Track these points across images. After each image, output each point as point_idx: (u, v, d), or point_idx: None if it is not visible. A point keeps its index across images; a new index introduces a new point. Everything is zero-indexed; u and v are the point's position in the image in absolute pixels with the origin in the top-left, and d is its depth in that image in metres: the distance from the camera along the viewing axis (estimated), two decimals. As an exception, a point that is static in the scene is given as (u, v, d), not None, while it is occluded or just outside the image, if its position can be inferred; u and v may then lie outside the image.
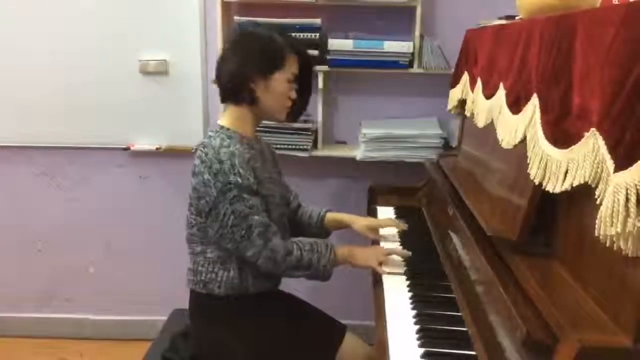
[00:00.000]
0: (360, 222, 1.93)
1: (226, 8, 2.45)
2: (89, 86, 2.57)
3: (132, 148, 2.64)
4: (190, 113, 2.59)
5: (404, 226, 1.91)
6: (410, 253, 1.72)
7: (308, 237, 1.75)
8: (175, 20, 2.52)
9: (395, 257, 1.72)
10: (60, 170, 2.74)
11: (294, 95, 1.74)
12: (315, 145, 2.52)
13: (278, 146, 2.40)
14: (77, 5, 2.50)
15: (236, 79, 1.68)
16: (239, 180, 1.58)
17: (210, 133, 1.70)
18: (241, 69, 1.66)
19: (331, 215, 1.97)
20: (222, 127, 1.70)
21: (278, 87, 1.69)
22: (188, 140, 2.56)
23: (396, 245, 1.84)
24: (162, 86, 2.56)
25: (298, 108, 1.81)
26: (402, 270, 1.67)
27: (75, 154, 2.70)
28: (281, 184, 1.87)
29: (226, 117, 1.73)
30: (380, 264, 1.68)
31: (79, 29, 2.52)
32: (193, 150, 2.58)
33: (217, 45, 2.44)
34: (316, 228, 1.95)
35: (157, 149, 2.62)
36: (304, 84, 1.79)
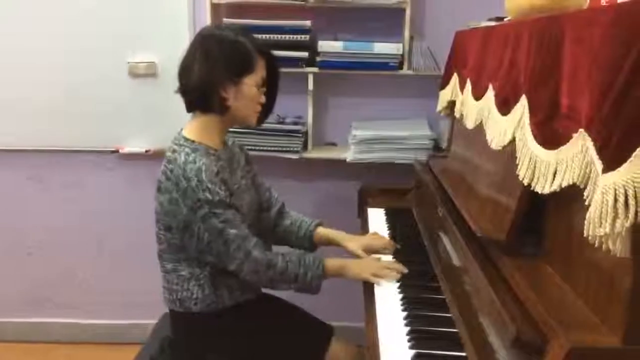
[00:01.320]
0: (352, 242, 1.82)
1: (215, 10, 2.44)
2: (77, 89, 2.56)
3: (121, 151, 2.62)
4: (179, 115, 2.52)
5: (397, 245, 1.81)
6: (406, 270, 1.63)
7: (293, 247, 1.72)
8: (165, 23, 2.51)
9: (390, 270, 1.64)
10: (49, 174, 2.72)
11: (263, 99, 1.67)
12: (305, 147, 2.51)
13: (268, 148, 2.39)
14: (65, 7, 2.49)
15: (205, 86, 1.58)
16: (209, 196, 1.52)
17: (174, 146, 1.61)
18: (210, 75, 1.57)
19: (322, 231, 1.89)
20: (186, 139, 1.61)
21: (249, 92, 1.61)
22: (177, 143, 2.54)
23: (391, 259, 1.75)
24: (152, 88, 2.55)
25: (265, 111, 1.74)
26: (395, 279, 1.61)
27: (64, 157, 2.68)
28: (255, 188, 1.81)
29: (191, 127, 1.65)
30: (374, 275, 1.62)
31: (67, 31, 2.51)
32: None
33: (207, 47, 2.43)
34: (303, 240, 1.88)
35: (146, 151, 2.60)
36: (271, 87, 1.72)
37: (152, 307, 2.25)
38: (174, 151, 1.60)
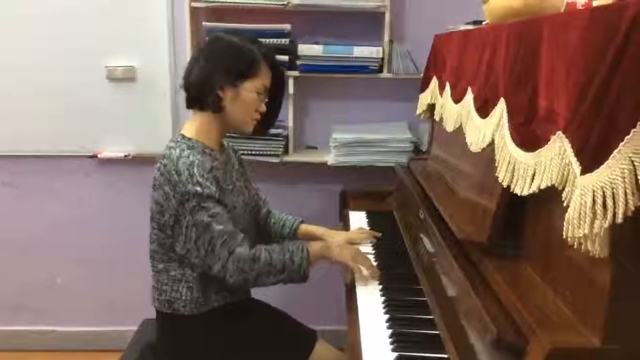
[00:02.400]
0: (336, 237, 1.84)
1: (194, 14, 2.43)
2: (55, 93, 2.52)
3: (99, 155, 2.59)
4: (159, 119, 2.56)
5: (378, 234, 1.89)
6: (379, 273, 1.65)
7: None
8: (143, 26, 2.49)
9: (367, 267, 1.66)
10: (26, 179, 2.67)
11: (263, 108, 1.69)
12: (286, 151, 2.51)
13: (249, 152, 2.38)
14: (43, 10, 2.46)
15: (204, 84, 1.62)
16: (198, 189, 1.53)
17: (171, 144, 1.64)
18: (210, 75, 1.61)
19: (305, 228, 1.92)
20: (183, 137, 1.65)
21: (246, 97, 1.64)
22: (157, 147, 2.49)
23: (370, 254, 1.78)
24: (130, 93, 2.53)
25: (266, 122, 1.77)
26: (372, 275, 1.64)
27: (41, 162, 2.64)
28: (249, 192, 1.83)
29: (190, 126, 1.68)
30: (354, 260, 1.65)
31: (44, 34, 2.48)
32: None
33: (186, 51, 2.42)
34: (287, 237, 1.91)
35: (125, 156, 2.58)
36: (275, 98, 1.75)
37: (133, 313, 2.23)
38: (170, 148, 1.62)
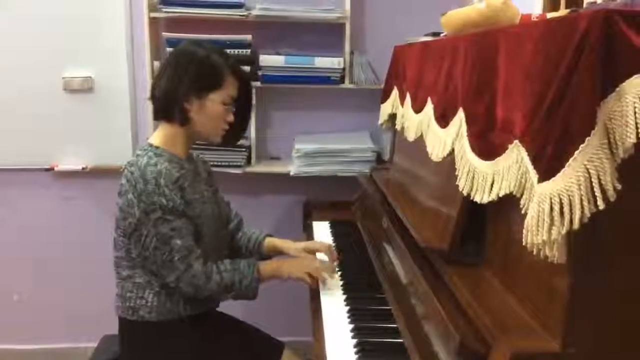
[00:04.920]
0: (294, 246, 1.86)
1: (154, 24, 2.40)
2: (9, 104, 2.46)
3: (56, 168, 2.53)
4: (117, 131, 2.51)
5: (337, 260, 1.82)
6: (336, 269, 1.73)
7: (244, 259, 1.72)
8: (101, 36, 2.45)
9: (325, 272, 1.69)
10: (-21, 193, 2.59)
11: (230, 118, 1.69)
12: (249, 162, 2.50)
13: (211, 163, 2.35)
14: (-4, 20, 2.40)
15: (169, 96, 1.62)
16: (164, 201, 1.53)
17: (138, 152, 1.64)
18: (175, 87, 1.60)
19: (269, 241, 1.92)
20: (151, 145, 1.64)
21: (213, 108, 1.63)
22: (116, 159, 2.47)
23: (327, 261, 1.79)
24: (88, 104, 2.48)
25: (235, 132, 1.77)
26: (337, 284, 1.66)
27: (-5, 176, 2.56)
28: (217, 202, 1.82)
29: (157, 135, 1.67)
30: (311, 276, 1.66)
31: (-2, 44, 2.42)
32: (122, 170, 2.50)
33: (145, 62, 2.39)
34: (253, 253, 1.90)
35: (82, 168, 2.52)
36: (242, 107, 1.75)
37: (91, 330, 2.18)
38: (137, 155, 1.61)
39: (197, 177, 1.72)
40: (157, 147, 1.63)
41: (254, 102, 2.37)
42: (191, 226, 1.60)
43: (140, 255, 1.58)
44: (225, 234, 1.86)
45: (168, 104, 1.63)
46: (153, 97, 1.68)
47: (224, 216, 1.87)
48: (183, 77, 1.61)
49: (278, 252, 1.91)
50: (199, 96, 1.62)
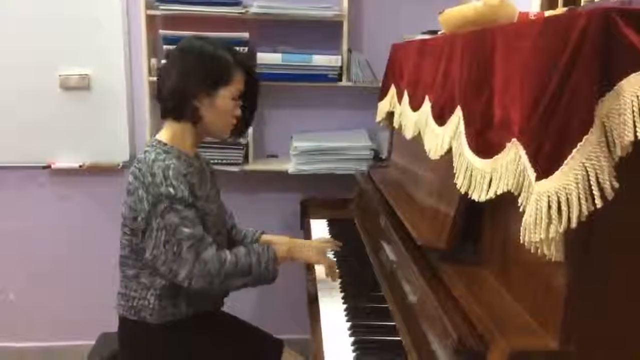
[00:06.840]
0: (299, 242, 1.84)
1: (151, 21, 2.40)
2: (6, 101, 2.45)
3: (53, 166, 2.52)
4: (114, 129, 2.50)
5: (338, 245, 1.86)
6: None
7: None
8: (98, 34, 2.44)
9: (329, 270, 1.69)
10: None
11: (238, 112, 1.67)
12: (246, 160, 2.50)
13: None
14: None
15: (179, 94, 1.58)
16: (171, 191, 1.50)
17: (146, 148, 1.61)
18: (184, 85, 1.57)
19: (265, 238, 1.90)
20: (159, 141, 1.62)
21: (223, 104, 1.61)
22: (113, 157, 2.48)
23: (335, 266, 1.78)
24: (85, 101, 2.47)
25: (242, 126, 1.75)
26: (335, 282, 1.67)
27: (-8, 173, 2.55)
28: (220, 202, 1.81)
29: (165, 132, 1.65)
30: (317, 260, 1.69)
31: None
32: (119, 167, 2.50)
33: (142, 59, 2.38)
34: None
35: (80, 166, 2.51)
36: (249, 101, 1.73)
37: (89, 328, 2.18)
38: (145, 152, 1.59)
39: (203, 175, 1.71)
40: (165, 144, 1.61)
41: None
42: (199, 218, 1.57)
43: (152, 253, 1.54)
44: (225, 233, 1.85)
45: (178, 102, 1.59)
46: (160, 96, 1.65)
47: (224, 216, 1.87)
48: (192, 75, 1.58)
49: None
50: (209, 93, 1.59)
